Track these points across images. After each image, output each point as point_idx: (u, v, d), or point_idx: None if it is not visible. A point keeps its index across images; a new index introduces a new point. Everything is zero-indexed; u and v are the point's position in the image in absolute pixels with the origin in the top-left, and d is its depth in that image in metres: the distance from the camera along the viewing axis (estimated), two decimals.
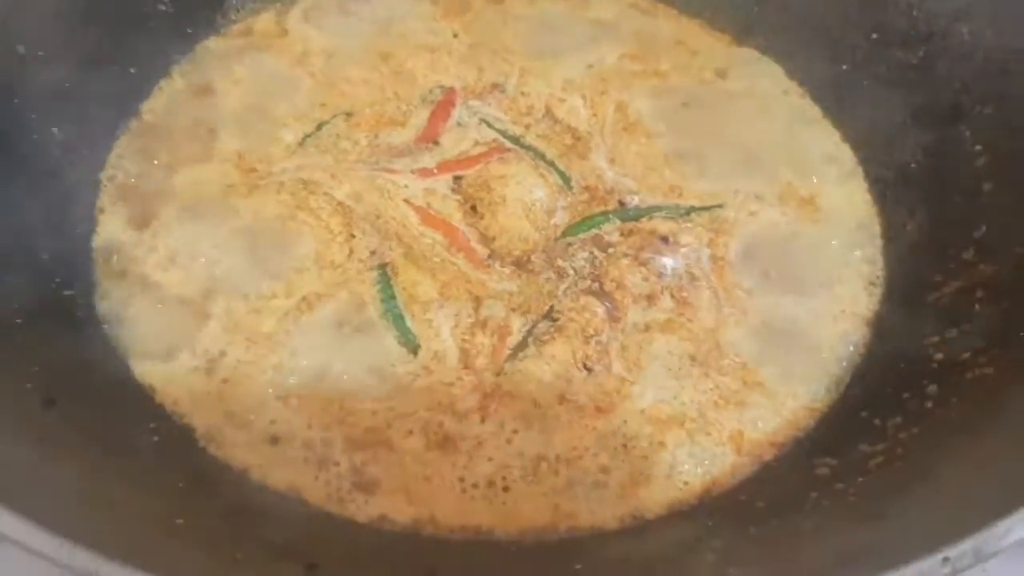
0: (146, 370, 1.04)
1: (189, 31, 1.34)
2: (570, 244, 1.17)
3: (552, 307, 1.12)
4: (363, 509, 0.97)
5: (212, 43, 1.36)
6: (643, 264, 1.17)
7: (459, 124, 1.29)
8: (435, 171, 1.24)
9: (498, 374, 1.06)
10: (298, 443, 1.01)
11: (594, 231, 1.19)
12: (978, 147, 1.15)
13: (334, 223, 1.17)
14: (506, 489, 1.00)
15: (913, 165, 1.22)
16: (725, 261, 1.18)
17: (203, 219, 1.16)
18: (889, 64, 1.27)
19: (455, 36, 1.42)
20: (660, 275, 1.16)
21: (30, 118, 1.11)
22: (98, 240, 1.14)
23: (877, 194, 1.25)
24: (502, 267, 1.15)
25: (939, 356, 1.04)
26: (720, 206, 1.23)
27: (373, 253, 1.14)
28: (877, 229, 1.23)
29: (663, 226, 1.20)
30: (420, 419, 1.03)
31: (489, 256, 1.15)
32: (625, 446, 1.03)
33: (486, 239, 1.17)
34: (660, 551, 0.95)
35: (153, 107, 1.27)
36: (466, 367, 1.07)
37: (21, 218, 1.06)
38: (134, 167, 1.21)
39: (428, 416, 1.03)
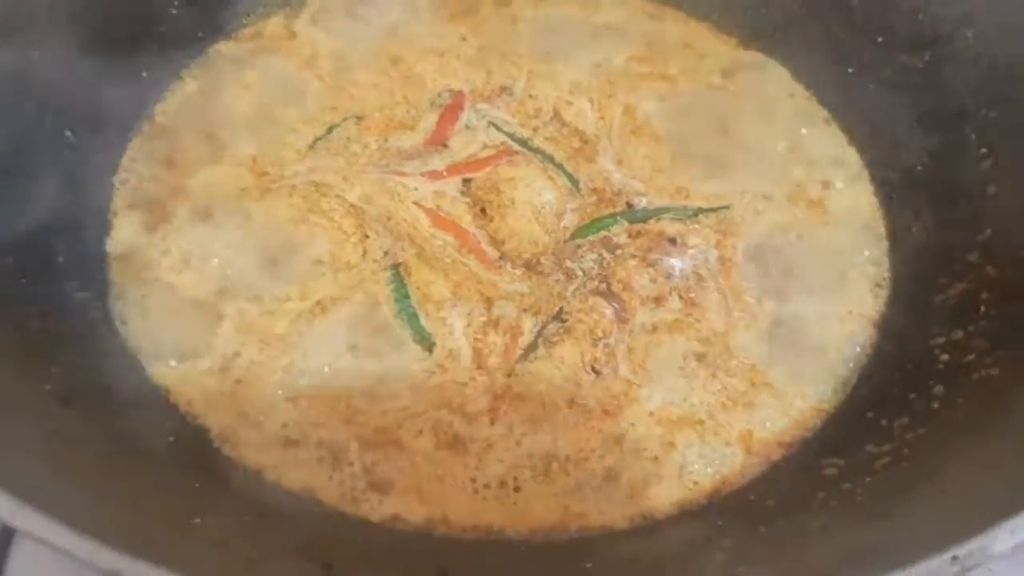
0: (161, 371, 1.06)
1: (200, 35, 1.35)
2: (579, 246, 1.19)
3: (561, 308, 1.12)
4: (377, 509, 0.98)
5: (223, 47, 1.37)
6: (651, 265, 1.18)
7: (467, 127, 1.30)
8: (444, 174, 1.25)
9: (509, 375, 1.07)
10: (311, 444, 1.02)
11: (603, 233, 1.20)
12: (983, 150, 1.16)
13: (347, 224, 1.18)
14: (517, 489, 1.01)
15: (919, 168, 1.23)
16: (732, 262, 1.19)
17: (216, 221, 1.18)
18: (895, 68, 1.28)
19: (463, 39, 1.43)
20: (668, 276, 1.17)
21: (44, 122, 1.13)
22: (112, 243, 1.15)
23: (883, 196, 1.26)
24: (513, 269, 1.16)
25: (945, 357, 1.05)
26: (727, 207, 1.24)
27: (386, 253, 1.16)
28: (883, 231, 1.24)
29: (671, 227, 1.21)
30: (430, 419, 1.04)
31: (500, 258, 1.16)
32: (636, 449, 1.03)
33: (496, 242, 1.18)
34: (670, 550, 0.96)
35: (165, 110, 1.28)
36: (479, 367, 1.08)
37: (36, 221, 1.07)
38: (147, 170, 1.22)
39: (438, 416, 1.04)
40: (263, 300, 1.11)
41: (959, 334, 1.05)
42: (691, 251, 1.19)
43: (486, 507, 0.99)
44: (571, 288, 1.15)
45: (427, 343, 1.09)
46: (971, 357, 1.02)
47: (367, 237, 1.17)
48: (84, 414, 0.90)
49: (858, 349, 1.13)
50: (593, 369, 1.08)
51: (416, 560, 0.93)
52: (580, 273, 1.16)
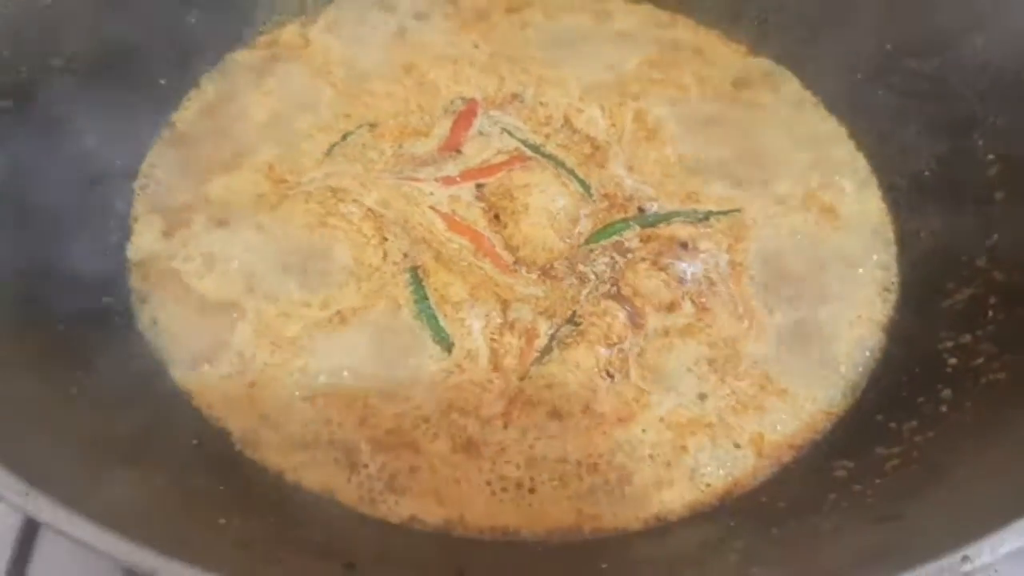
0: (183, 375, 1.07)
1: (217, 43, 1.37)
2: (592, 250, 1.20)
3: (574, 312, 1.14)
4: (394, 510, 1.00)
5: (239, 55, 1.39)
6: (662, 269, 1.19)
7: (481, 133, 1.32)
8: (458, 179, 1.27)
9: (522, 378, 1.09)
10: (329, 446, 1.04)
11: (615, 238, 1.21)
12: (991, 156, 1.18)
13: (366, 228, 1.20)
14: (532, 492, 1.02)
15: (927, 173, 1.25)
16: (743, 267, 1.20)
17: (235, 227, 1.19)
18: (903, 74, 1.30)
19: (475, 46, 1.45)
20: (680, 280, 1.18)
21: (65, 129, 1.14)
22: (132, 248, 1.17)
23: (891, 202, 1.27)
24: (528, 273, 1.17)
25: (953, 361, 1.06)
26: (738, 211, 1.25)
27: (406, 256, 1.17)
28: (891, 236, 1.25)
29: (683, 232, 1.23)
30: (446, 422, 1.05)
31: (515, 263, 1.18)
32: (648, 454, 1.05)
33: (511, 247, 1.20)
34: (684, 551, 0.97)
35: (184, 117, 1.30)
36: (495, 368, 1.09)
37: (58, 227, 1.09)
38: (166, 176, 1.24)
39: (453, 419, 1.06)
40: (280, 302, 1.13)
41: (967, 338, 1.07)
42: (702, 255, 1.21)
43: (502, 509, 1.01)
44: (584, 292, 1.16)
45: (446, 343, 1.11)
46: (979, 361, 1.03)
47: (386, 240, 1.19)
48: (110, 418, 0.92)
49: (867, 353, 1.14)
50: (608, 373, 1.10)
51: (434, 560, 0.95)
52: (593, 277, 1.18)
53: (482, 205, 1.24)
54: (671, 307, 1.16)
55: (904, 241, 1.23)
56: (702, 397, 1.10)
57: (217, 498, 0.91)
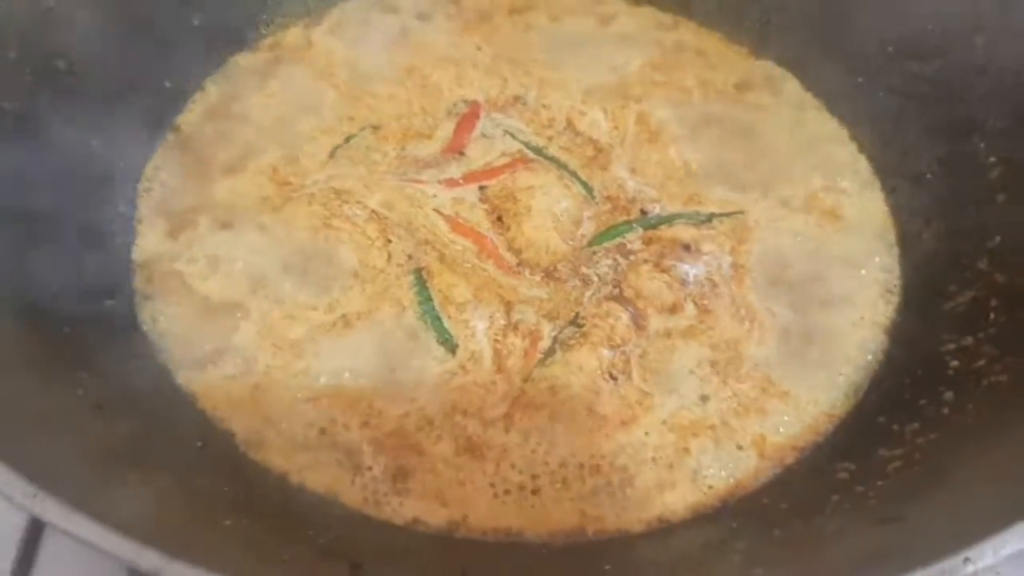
0: (187, 377, 1.08)
1: (221, 46, 1.38)
2: (595, 252, 1.21)
3: (577, 314, 1.14)
4: (399, 512, 1.00)
5: (242, 57, 1.40)
6: (665, 271, 1.19)
7: (484, 136, 1.33)
8: (461, 181, 1.27)
9: (526, 380, 1.09)
10: (332, 447, 1.04)
11: (618, 240, 1.22)
12: (992, 159, 1.18)
13: (370, 230, 1.20)
14: (535, 493, 1.02)
15: (928, 176, 1.25)
16: (746, 269, 1.21)
17: (239, 229, 1.20)
18: (904, 77, 1.30)
19: (478, 48, 1.45)
20: (682, 282, 1.19)
21: (70, 132, 1.15)
22: (137, 251, 1.18)
23: (893, 204, 1.28)
24: (531, 275, 1.18)
25: (955, 363, 1.06)
26: (741, 213, 1.26)
27: (410, 257, 1.18)
28: (893, 238, 1.25)
29: (685, 234, 1.23)
30: (449, 424, 1.06)
31: (518, 264, 1.19)
32: (650, 457, 1.05)
33: (514, 250, 1.20)
34: (687, 553, 0.97)
35: (188, 120, 1.31)
36: (499, 369, 1.10)
37: (63, 230, 1.09)
38: (170, 179, 1.25)
39: (456, 421, 1.06)
40: (286, 305, 1.14)
41: (969, 340, 1.07)
42: (705, 257, 1.21)
43: (505, 511, 1.01)
44: (587, 294, 1.17)
45: (450, 344, 1.11)
46: (981, 363, 1.03)
47: (390, 242, 1.19)
48: (115, 420, 0.92)
49: (869, 355, 1.15)
50: (611, 375, 1.10)
51: (439, 561, 0.95)
52: (596, 279, 1.18)
53: (485, 207, 1.24)
54: (673, 309, 1.16)
55: (906, 243, 1.24)
56: (704, 399, 1.10)
57: (222, 499, 0.91)
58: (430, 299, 1.14)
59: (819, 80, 1.40)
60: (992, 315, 1.07)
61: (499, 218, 1.23)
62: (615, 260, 1.20)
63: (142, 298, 1.14)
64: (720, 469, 1.05)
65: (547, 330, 1.13)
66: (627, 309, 1.16)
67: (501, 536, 1.00)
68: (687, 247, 1.22)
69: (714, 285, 1.19)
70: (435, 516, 1.00)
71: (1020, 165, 1.15)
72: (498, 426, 1.06)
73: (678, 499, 1.03)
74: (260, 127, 1.31)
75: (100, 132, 1.19)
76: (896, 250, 1.24)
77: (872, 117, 1.33)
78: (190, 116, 1.31)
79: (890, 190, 1.29)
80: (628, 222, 1.24)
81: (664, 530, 1.01)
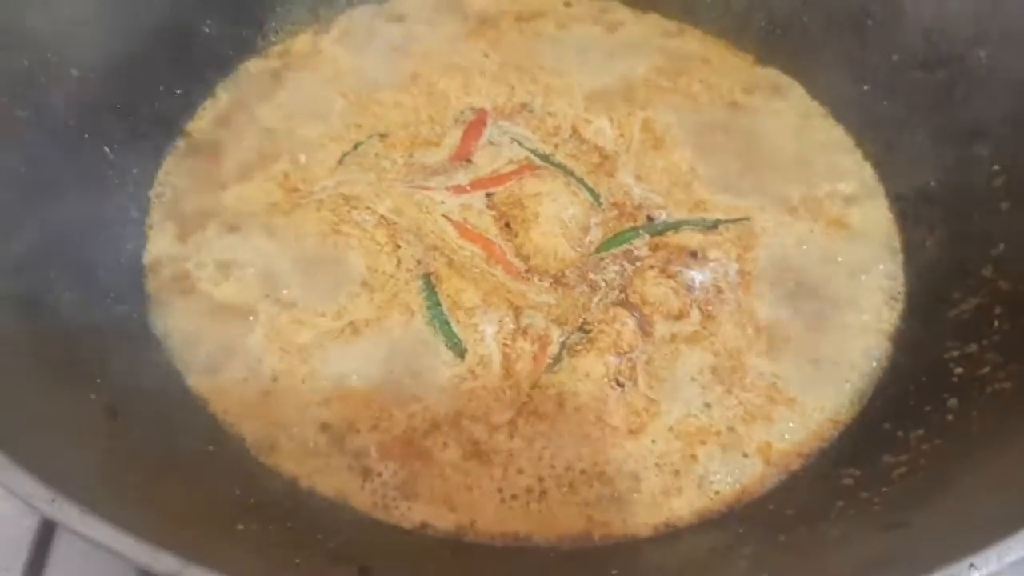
0: (198, 381, 1.09)
1: (231, 53, 1.39)
2: (602, 258, 1.21)
3: (585, 319, 1.15)
4: (407, 516, 1.01)
5: (252, 64, 1.41)
6: (671, 277, 1.20)
7: (491, 143, 1.34)
8: (468, 188, 1.28)
9: (533, 387, 1.10)
10: (341, 452, 1.05)
11: (625, 246, 1.23)
12: (996, 167, 1.18)
13: (379, 235, 1.21)
14: (542, 498, 1.03)
15: (933, 184, 1.26)
16: (752, 275, 1.22)
17: (249, 234, 1.21)
18: (909, 85, 1.31)
19: (485, 56, 1.46)
20: (688, 288, 1.19)
21: (83, 138, 1.16)
22: (148, 256, 1.19)
23: (898, 211, 1.28)
24: (540, 281, 1.19)
25: (959, 371, 1.07)
26: (747, 219, 1.27)
27: (419, 262, 1.19)
28: (898, 245, 1.26)
29: (692, 241, 1.24)
30: (456, 429, 1.07)
31: (527, 271, 1.20)
32: (657, 464, 1.06)
33: (522, 256, 1.21)
34: (693, 558, 0.98)
35: (199, 126, 1.32)
36: (507, 374, 1.10)
37: (76, 235, 1.10)
38: (181, 184, 1.26)
39: (464, 426, 1.07)
40: (295, 310, 1.14)
41: (973, 348, 1.08)
42: (712, 264, 1.22)
43: (513, 515, 1.02)
44: (595, 300, 1.17)
45: (458, 349, 1.12)
46: (985, 371, 1.04)
47: (399, 247, 1.20)
48: (129, 424, 0.93)
49: (874, 362, 1.15)
50: (617, 383, 1.11)
51: (447, 565, 0.96)
52: (603, 284, 1.19)
53: (493, 213, 1.25)
54: (679, 315, 1.17)
55: (911, 251, 1.24)
56: (710, 406, 1.10)
57: (233, 504, 0.92)
58: (439, 304, 1.15)
59: (824, 88, 1.41)
60: (996, 322, 1.08)
61: (507, 224, 1.24)
62: (622, 266, 1.21)
63: (154, 303, 1.15)
64: (727, 475, 1.06)
65: (556, 335, 1.14)
66: (633, 315, 1.16)
67: (509, 540, 1.00)
68: (694, 254, 1.23)
69: (720, 291, 1.20)
70: (443, 520, 1.01)
71: None
72: (503, 432, 1.07)
73: (684, 505, 1.04)
74: (269, 133, 1.32)
75: (113, 138, 1.20)
76: (901, 257, 1.25)
77: (877, 125, 1.34)
78: (201, 122, 1.33)
79: (895, 198, 1.30)
80: (635, 228, 1.24)
81: (671, 535, 1.01)
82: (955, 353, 1.09)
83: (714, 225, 1.26)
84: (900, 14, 1.32)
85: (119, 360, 1.03)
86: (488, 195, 1.28)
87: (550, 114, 1.38)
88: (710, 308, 1.18)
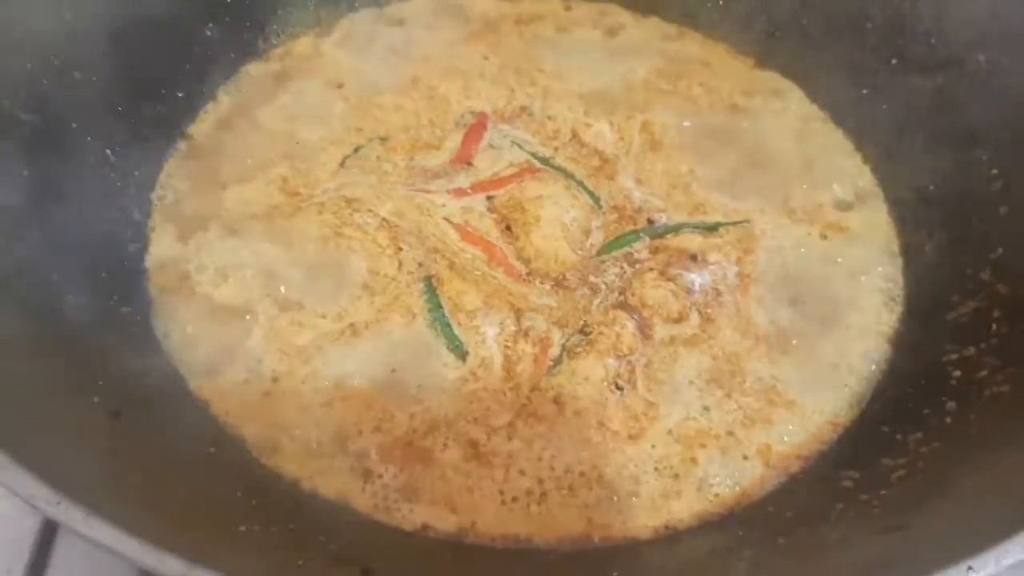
0: (199, 383, 1.09)
1: (233, 55, 1.40)
2: (603, 261, 1.22)
3: (585, 322, 1.16)
4: (409, 518, 1.01)
5: (253, 67, 1.42)
6: (671, 279, 1.20)
7: (492, 146, 1.34)
8: (469, 191, 1.29)
9: (533, 389, 1.10)
10: (343, 454, 1.05)
11: (626, 249, 1.23)
12: (994, 171, 1.19)
13: (381, 238, 1.22)
14: (542, 500, 1.03)
15: (931, 187, 1.26)
16: (751, 278, 1.22)
17: (251, 237, 1.22)
18: (908, 90, 1.32)
19: (485, 58, 1.47)
20: (688, 291, 1.20)
21: (86, 141, 1.17)
22: (150, 258, 1.19)
23: (897, 215, 1.29)
24: (541, 284, 1.19)
25: (957, 374, 1.07)
26: (747, 222, 1.27)
27: (420, 265, 1.20)
28: (896, 248, 1.26)
29: (692, 243, 1.24)
30: (457, 431, 1.07)
31: (528, 274, 1.20)
32: (657, 468, 1.06)
33: (523, 260, 1.21)
34: (693, 560, 0.99)
35: (200, 129, 1.33)
36: (509, 376, 1.11)
37: (79, 238, 1.11)
38: (183, 187, 1.26)
39: (465, 428, 1.07)
40: (296, 312, 1.15)
41: (971, 351, 1.08)
42: (711, 267, 1.22)
43: (513, 517, 1.02)
44: (595, 301, 1.18)
45: (460, 351, 1.12)
46: (983, 374, 1.04)
47: (401, 250, 1.21)
48: (131, 426, 0.94)
49: (873, 365, 1.16)
50: (617, 386, 1.11)
51: (449, 567, 0.97)
52: (603, 287, 1.19)
53: (494, 216, 1.26)
54: (679, 318, 1.17)
55: (909, 254, 1.25)
56: (709, 409, 1.11)
57: (236, 506, 0.93)
58: (440, 306, 1.15)
59: (824, 91, 1.42)
60: (994, 326, 1.08)
61: (508, 228, 1.24)
62: (622, 268, 1.21)
63: (156, 305, 1.15)
64: (726, 478, 1.06)
65: (557, 338, 1.14)
66: (633, 317, 1.17)
67: (509, 542, 1.01)
68: (693, 256, 1.23)
69: (719, 294, 1.20)
70: (445, 522, 1.01)
71: (1022, 177, 1.16)
72: (502, 434, 1.07)
73: (684, 507, 1.04)
74: (270, 136, 1.33)
75: (115, 141, 1.21)
76: (899, 260, 1.25)
77: (876, 129, 1.35)
78: (202, 126, 1.33)
79: (894, 201, 1.30)
80: (635, 231, 1.25)
81: (671, 537, 1.02)
82: (953, 356, 1.09)
83: (714, 228, 1.26)
84: (899, 18, 1.33)
85: (122, 362, 1.03)
86: (489, 198, 1.28)
87: (550, 117, 1.39)
88: (709, 311, 1.19)
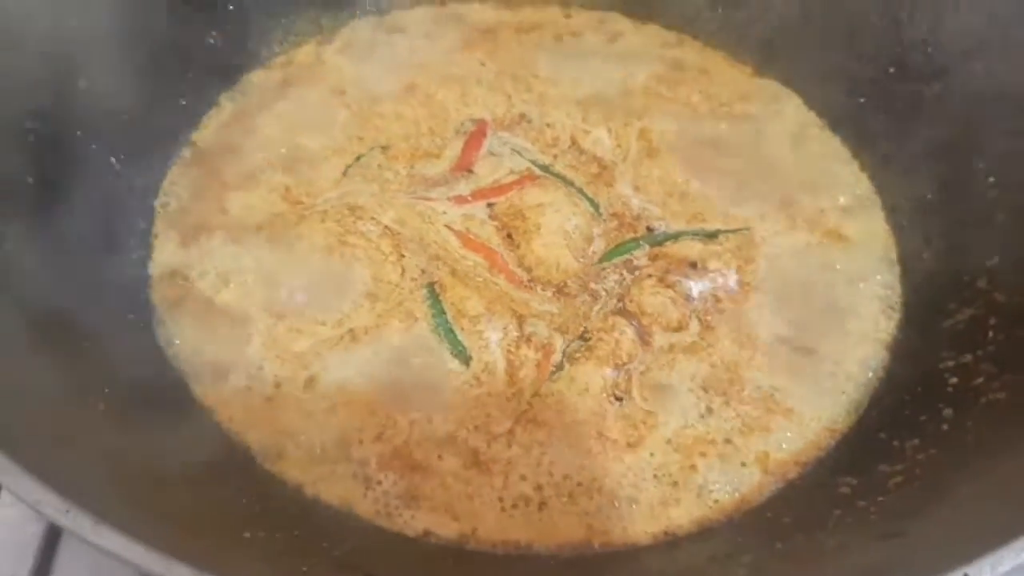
0: (203, 390, 1.10)
1: (235, 63, 1.41)
2: (603, 268, 1.23)
3: (585, 328, 1.17)
4: (410, 524, 1.02)
5: (256, 75, 1.42)
6: (670, 287, 1.21)
7: (491, 154, 1.35)
8: (470, 198, 1.29)
9: (534, 395, 1.11)
10: (346, 460, 1.06)
11: (626, 256, 1.24)
12: (991, 180, 1.20)
13: (384, 245, 1.23)
14: (542, 507, 1.04)
15: (929, 196, 1.27)
16: (750, 285, 1.23)
17: (253, 244, 1.22)
18: (905, 97, 1.32)
19: (482, 64, 1.47)
20: (688, 298, 1.21)
21: (90, 149, 1.18)
22: (153, 265, 1.20)
23: (894, 223, 1.30)
24: (543, 290, 1.20)
25: (954, 381, 1.08)
26: (747, 229, 1.28)
27: (423, 271, 1.20)
28: (894, 256, 1.27)
29: (692, 251, 1.25)
30: (458, 438, 1.08)
31: (529, 280, 1.21)
32: (656, 475, 1.07)
33: (524, 267, 1.22)
34: (693, 565, 0.99)
35: (203, 136, 1.34)
36: (512, 380, 1.12)
37: (83, 245, 1.11)
38: (186, 194, 1.27)
39: (466, 435, 1.08)
40: (299, 319, 1.16)
41: (968, 358, 1.09)
42: (711, 274, 1.23)
43: (514, 524, 1.03)
44: (595, 308, 1.19)
45: (463, 356, 1.13)
46: (979, 381, 1.05)
47: (403, 256, 1.22)
48: (137, 434, 0.94)
49: (870, 372, 1.17)
50: (615, 396, 1.12)
51: (450, 573, 0.98)
52: (603, 293, 1.20)
53: (495, 224, 1.26)
54: (679, 326, 1.18)
55: (907, 262, 1.26)
56: (708, 417, 1.11)
57: (240, 512, 0.93)
58: (443, 312, 1.16)
59: (822, 99, 1.43)
60: (991, 333, 1.09)
61: (509, 235, 1.25)
62: (622, 275, 1.22)
63: (159, 312, 1.16)
64: (725, 484, 1.06)
65: (559, 344, 1.15)
66: (632, 323, 1.17)
67: (510, 548, 1.02)
68: (693, 264, 1.24)
69: (718, 301, 1.21)
70: (446, 529, 1.02)
71: (1018, 186, 1.17)
72: (501, 441, 1.08)
73: (684, 514, 1.05)
74: (272, 144, 1.33)
75: (119, 149, 1.22)
76: (897, 268, 1.26)
77: (874, 137, 1.36)
78: (205, 133, 1.34)
79: (891, 209, 1.31)
80: (635, 239, 1.26)
81: (670, 543, 1.02)
82: (950, 363, 1.10)
83: (714, 235, 1.27)
84: (897, 27, 1.34)
85: (126, 370, 1.04)
86: (489, 205, 1.29)
87: (548, 125, 1.40)
88: (709, 319, 1.19)
